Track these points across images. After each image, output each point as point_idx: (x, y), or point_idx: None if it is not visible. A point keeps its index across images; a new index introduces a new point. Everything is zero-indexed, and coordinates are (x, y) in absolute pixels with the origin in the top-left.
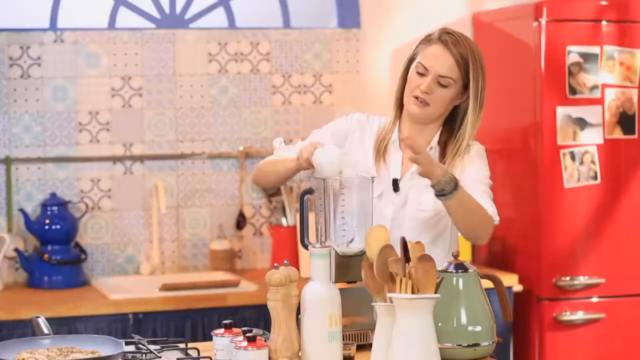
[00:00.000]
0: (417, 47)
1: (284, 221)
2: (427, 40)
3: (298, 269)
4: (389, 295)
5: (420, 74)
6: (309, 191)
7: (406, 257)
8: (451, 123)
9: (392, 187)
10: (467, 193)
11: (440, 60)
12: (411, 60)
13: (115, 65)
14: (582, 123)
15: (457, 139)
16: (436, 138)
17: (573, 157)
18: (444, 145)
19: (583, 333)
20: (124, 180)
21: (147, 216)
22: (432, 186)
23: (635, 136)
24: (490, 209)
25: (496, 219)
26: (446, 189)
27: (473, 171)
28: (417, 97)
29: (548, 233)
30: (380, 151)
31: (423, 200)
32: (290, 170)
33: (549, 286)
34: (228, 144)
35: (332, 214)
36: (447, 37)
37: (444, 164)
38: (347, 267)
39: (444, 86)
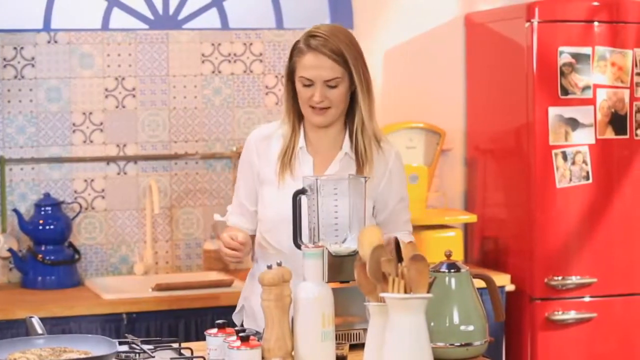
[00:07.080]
0: (291, 59)
1: None
2: (298, 51)
3: None
4: (381, 295)
5: (307, 86)
6: (302, 191)
7: (398, 257)
8: (350, 117)
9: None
10: None
11: (320, 67)
12: (290, 73)
13: (109, 66)
14: (574, 123)
15: (363, 126)
16: (347, 141)
17: (565, 157)
18: (355, 142)
19: (575, 332)
20: (118, 180)
21: (140, 216)
22: None
23: (627, 136)
24: (410, 237)
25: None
26: None
27: (400, 188)
28: (314, 107)
29: (540, 233)
30: (286, 160)
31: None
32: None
33: (541, 286)
34: (221, 144)
35: (324, 214)
36: (315, 42)
37: (365, 168)
38: (340, 267)
39: (335, 86)
